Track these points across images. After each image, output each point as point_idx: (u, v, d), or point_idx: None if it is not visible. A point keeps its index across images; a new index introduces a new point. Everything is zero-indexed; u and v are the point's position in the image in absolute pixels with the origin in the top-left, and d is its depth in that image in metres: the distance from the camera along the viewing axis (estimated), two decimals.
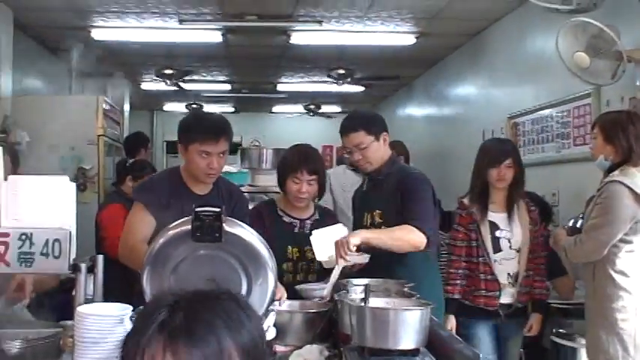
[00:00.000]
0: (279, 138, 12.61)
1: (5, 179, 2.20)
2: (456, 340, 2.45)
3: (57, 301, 4.10)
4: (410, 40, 7.76)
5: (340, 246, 2.88)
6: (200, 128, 3.00)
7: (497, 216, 3.83)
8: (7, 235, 2.10)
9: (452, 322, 3.75)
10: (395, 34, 7.61)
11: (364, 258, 3.00)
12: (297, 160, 3.21)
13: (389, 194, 3.23)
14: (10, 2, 6.45)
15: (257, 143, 12.73)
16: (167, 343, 1.16)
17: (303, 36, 7.61)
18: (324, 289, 2.88)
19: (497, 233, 3.79)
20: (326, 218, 3.34)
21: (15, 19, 6.70)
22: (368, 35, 7.59)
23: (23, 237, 2.11)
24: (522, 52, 6.39)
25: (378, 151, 3.31)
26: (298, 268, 3.23)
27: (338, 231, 3.09)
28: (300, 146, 3.43)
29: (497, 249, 3.77)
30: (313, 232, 3.09)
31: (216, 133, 3.00)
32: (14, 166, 3.25)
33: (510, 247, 3.79)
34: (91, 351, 1.98)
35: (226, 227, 2.16)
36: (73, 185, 2.27)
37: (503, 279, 3.76)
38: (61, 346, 2.29)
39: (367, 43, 7.91)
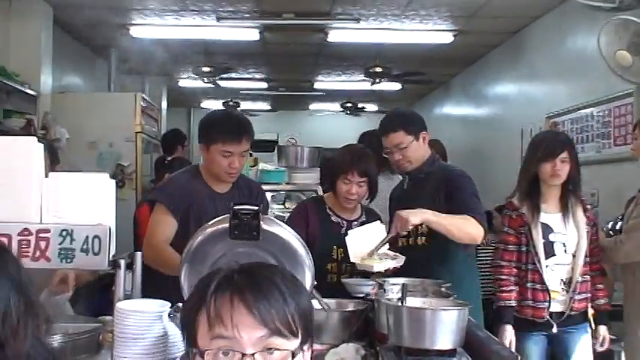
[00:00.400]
0: (315, 136, 12.63)
1: (46, 176, 2.23)
2: (494, 340, 2.42)
3: (94, 296, 4.17)
4: (448, 38, 7.70)
5: (399, 221, 2.86)
6: (222, 128, 3.00)
7: (550, 217, 3.44)
8: (47, 231, 2.13)
9: (509, 335, 3.38)
10: (432, 32, 7.56)
11: (398, 262, 2.97)
12: (348, 161, 3.18)
13: (431, 193, 3.19)
14: (50, 0, 6.56)
15: (293, 141, 12.80)
16: (234, 294, 1.24)
17: (341, 34, 7.60)
18: (369, 286, 2.86)
19: (551, 237, 3.42)
20: (373, 220, 3.31)
21: (55, 16, 6.81)
22: (405, 33, 7.56)
23: (64, 233, 2.13)
24: (563, 50, 6.30)
25: (418, 150, 3.27)
26: (342, 269, 3.20)
27: (375, 229, 3.07)
28: (352, 147, 3.42)
29: (550, 254, 3.40)
30: (349, 232, 3.07)
31: (239, 133, 3.00)
32: (53, 164, 3.29)
33: (565, 251, 3.42)
34: (130, 346, 2.00)
35: (264, 225, 2.16)
36: (113, 182, 2.29)
37: (555, 286, 3.40)
38: (100, 341, 2.32)
39: (404, 42, 7.88)
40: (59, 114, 6.64)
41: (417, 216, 2.89)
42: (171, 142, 6.70)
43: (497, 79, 8.43)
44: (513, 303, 3.41)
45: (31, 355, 1.42)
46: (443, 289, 2.68)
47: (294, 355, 1.26)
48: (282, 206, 5.39)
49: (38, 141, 2.26)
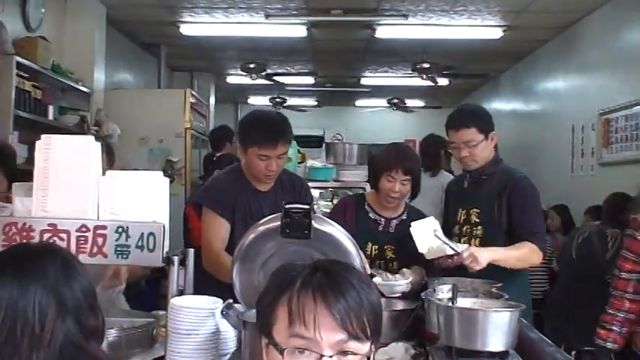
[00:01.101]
0: (361, 132, 12.64)
1: (103, 174, 2.28)
2: (547, 343, 2.39)
3: (144, 289, 4.25)
4: (497, 33, 7.61)
5: (470, 257, 2.84)
6: (259, 132, 2.99)
7: None
8: (104, 227, 2.17)
9: None
10: (482, 28, 7.48)
11: (462, 248, 2.95)
12: (393, 159, 3.16)
13: (491, 195, 3.14)
14: None
15: (339, 137, 12.81)
16: (317, 294, 1.29)
17: (389, 30, 7.57)
18: (403, 284, 2.85)
19: None
20: (415, 219, 3.29)
21: (108, 15, 6.94)
22: (454, 29, 7.49)
23: (120, 230, 2.17)
24: (617, 45, 6.17)
25: (485, 149, 3.20)
26: (375, 266, 3.21)
27: (431, 223, 3.05)
28: (398, 144, 3.40)
29: None
30: (412, 223, 3.03)
31: (274, 138, 2.96)
32: (110, 161, 3.35)
33: None
34: (183, 342, 2.03)
35: (315, 224, 2.18)
36: (167, 180, 2.33)
37: None
38: (154, 336, 2.36)
39: (453, 37, 7.81)
40: (111, 110, 6.78)
41: (487, 259, 2.88)
42: (220, 139, 6.77)
43: (547, 75, 8.30)
44: (610, 346, 3.00)
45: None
46: (494, 290, 2.65)
47: (367, 359, 1.31)
48: (329, 203, 5.40)
49: (95, 139, 2.31)
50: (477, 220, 3.18)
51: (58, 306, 1.48)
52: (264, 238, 2.25)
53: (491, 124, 3.24)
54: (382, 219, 3.23)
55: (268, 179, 3.08)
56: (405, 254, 3.13)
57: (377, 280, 2.89)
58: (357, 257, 2.22)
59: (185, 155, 7.12)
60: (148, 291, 4.26)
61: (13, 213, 2.27)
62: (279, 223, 2.21)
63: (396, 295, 2.84)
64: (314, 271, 1.34)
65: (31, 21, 5.70)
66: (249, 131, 3.04)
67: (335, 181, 4.97)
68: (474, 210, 3.20)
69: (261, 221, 2.30)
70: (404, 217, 3.25)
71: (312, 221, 2.17)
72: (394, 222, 3.23)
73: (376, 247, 3.18)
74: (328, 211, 4.50)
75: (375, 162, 3.33)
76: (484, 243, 3.11)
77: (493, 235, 3.08)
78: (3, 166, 3.17)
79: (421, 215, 3.29)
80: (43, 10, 5.91)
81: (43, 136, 2.27)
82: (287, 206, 2.18)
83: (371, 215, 3.24)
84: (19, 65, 5.08)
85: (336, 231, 2.23)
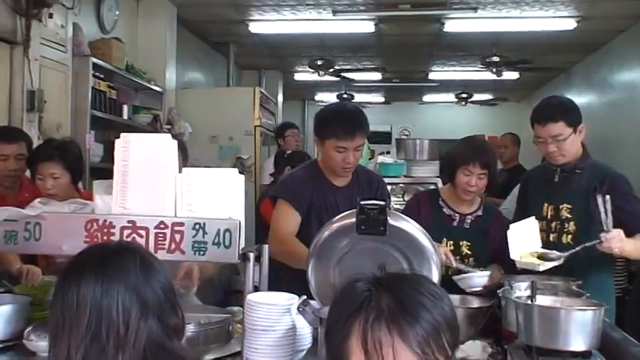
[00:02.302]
0: (428, 128, 12.50)
1: (179, 172, 2.31)
2: (631, 342, 2.31)
3: (218, 286, 4.30)
4: (570, 24, 7.40)
5: (618, 241, 2.73)
6: (336, 124, 3.00)
7: None
8: (182, 224, 2.20)
9: None
10: (554, 19, 7.29)
11: (559, 262, 2.84)
12: (470, 152, 3.11)
13: (584, 190, 3.03)
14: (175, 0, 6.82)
15: (407, 133, 12.72)
16: (391, 326, 1.21)
17: (458, 23, 7.46)
18: (485, 277, 2.80)
19: None
20: (491, 215, 3.22)
21: (178, 15, 7.06)
22: (525, 21, 7.32)
23: (197, 227, 2.20)
24: None
25: (574, 143, 3.09)
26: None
27: (531, 225, 2.97)
28: (474, 138, 3.35)
29: None
30: (511, 226, 2.96)
31: (352, 129, 2.98)
32: (184, 160, 3.40)
33: None
34: (260, 338, 2.05)
35: (390, 220, 2.16)
36: (242, 177, 2.35)
37: None
38: (230, 331, 2.39)
39: (524, 29, 7.62)
40: (182, 109, 6.91)
41: (618, 248, 2.76)
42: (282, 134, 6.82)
43: (622, 66, 8.03)
44: None
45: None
46: (574, 287, 2.58)
47: None
48: (400, 199, 5.36)
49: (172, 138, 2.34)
50: (569, 216, 3.07)
51: (141, 306, 1.49)
52: (339, 235, 2.25)
53: (579, 117, 3.11)
54: (457, 214, 3.19)
55: (345, 172, 3.09)
56: (482, 251, 3.08)
57: (456, 277, 2.86)
58: (432, 253, 2.20)
59: (255, 152, 7.18)
60: (218, 286, 4.32)
61: (94, 210, 2.33)
62: (354, 219, 2.20)
63: (475, 290, 2.79)
64: (380, 293, 1.26)
65: (105, 23, 5.85)
66: (326, 124, 3.05)
67: (405, 177, 4.94)
68: (565, 205, 3.09)
69: (335, 218, 2.30)
70: (479, 212, 3.19)
71: (388, 217, 2.15)
72: (469, 218, 3.18)
73: (451, 242, 3.13)
74: (399, 207, 4.47)
75: (452, 156, 3.27)
76: (577, 240, 2.97)
77: (587, 232, 2.95)
78: (65, 161, 3.26)
79: (497, 212, 3.22)
80: (117, 13, 6.06)
81: (122, 135, 2.31)
82: (362, 202, 2.17)
83: (445, 211, 3.20)
84: (95, 66, 5.23)
85: (412, 227, 2.21)
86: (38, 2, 4.40)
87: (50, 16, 4.67)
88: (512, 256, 2.85)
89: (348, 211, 2.27)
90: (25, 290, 2.76)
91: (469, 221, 3.16)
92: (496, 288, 2.68)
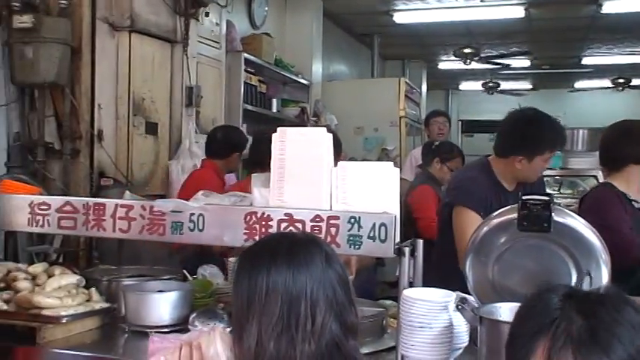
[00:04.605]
0: (580, 116, 11.91)
1: (335, 165, 2.32)
2: None
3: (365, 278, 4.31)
4: None
5: None
6: (554, 137, 2.93)
7: None
8: (337, 217, 2.21)
9: None
10: None
11: None
12: None
13: None
14: None
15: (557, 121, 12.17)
16: (578, 358, 1.12)
17: (617, 4, 7.04)
18: None
19: None
20: None
21: (324, 8, 7.14)
22: None
23: (352, 220, 2.19)
24: None
25: None
26: None
27: None
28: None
29: None
30: None
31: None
32: (337, 153, 3.42)
33: None
34: (416, 334, 2.01)
35: (555, 216, 2.05)
36: (397, 171, 2.32)
37: None
38: (384, 326, 2.37)
39: None
40: (328, 101, 6.98)
41: None
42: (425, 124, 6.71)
43: None
44: None
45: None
46: None
47: None
48: (557, 192, 5.14)
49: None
50: None
51: (325, 300, 1.45)
52: (499, 231, 2.16)
53: None
54: None
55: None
56: None
57: None
58: (603, 252, 2.06)
59: (400, 143, 7.14)
60: (365, 277, 4.33)
61: (252, 203, 2.39)
62: (513, 215, 2.11)
63: None
64: (571, 315, 1.16)
65: (256, 19, 6.02)
66: (542, 138, 2.91)
67: (562, 168, 4.72)
68: None
69: (494, 214, 2.22)
70: None
71: (552, 213, 2.05)
72: None
73: None
74: (555, 200, 4.27)
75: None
76: None
77: None
78: (240, 150, 3.66)
79: None
80: (266, 9, 6.22)
81: (278, 129, 2.34)
82: (524, 198, 2.08)
83: (635, 205, 2.98)
84: (246, 61, 5.39)
85: (579, 224, 2.09)
86: (195, 2, 4.58)
87: (206, 14, 4.85)
88: None
89: (507, 207, 2.18)
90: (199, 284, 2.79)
91: None
92: None
